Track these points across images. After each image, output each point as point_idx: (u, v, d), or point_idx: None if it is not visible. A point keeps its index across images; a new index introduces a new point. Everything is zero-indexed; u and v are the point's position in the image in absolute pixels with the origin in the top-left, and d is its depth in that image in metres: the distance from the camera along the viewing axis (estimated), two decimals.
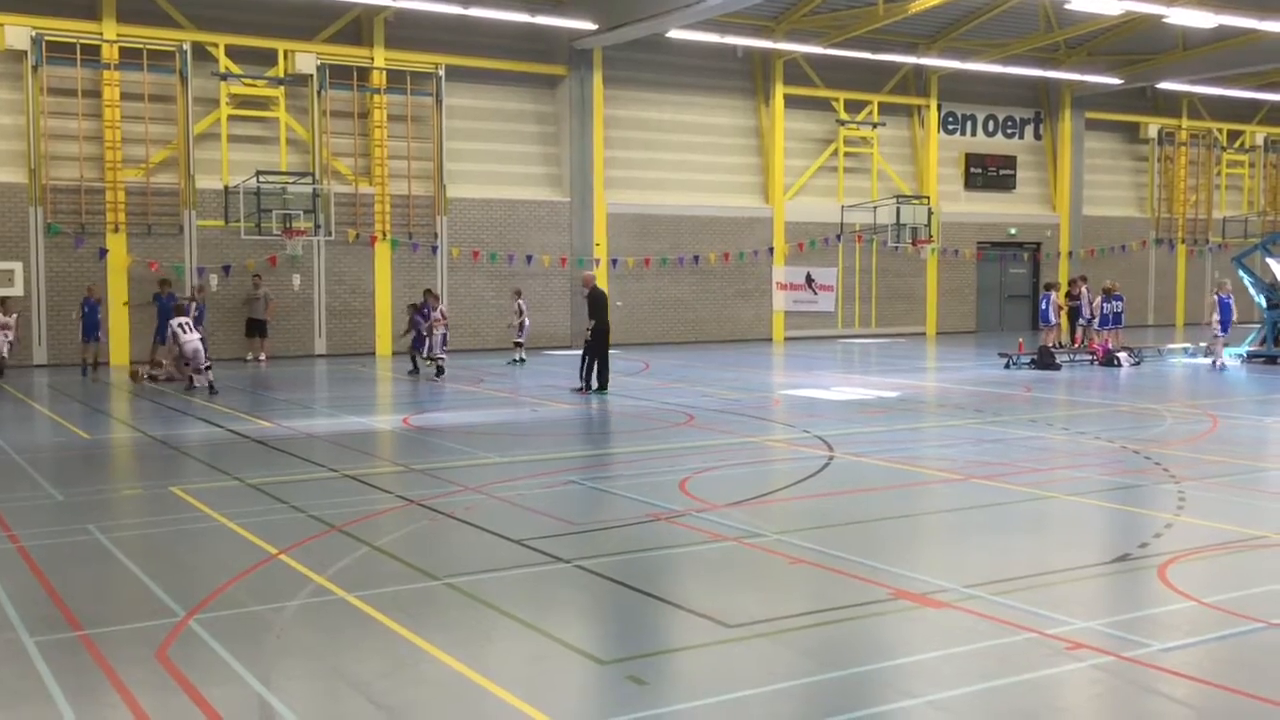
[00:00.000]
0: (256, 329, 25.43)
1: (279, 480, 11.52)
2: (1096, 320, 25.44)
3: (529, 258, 29.25)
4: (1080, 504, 10.36)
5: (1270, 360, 24.25)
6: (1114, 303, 25.30)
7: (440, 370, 21.76)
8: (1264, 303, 25.07)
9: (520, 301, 25.17)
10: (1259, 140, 42.11)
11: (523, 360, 24.61)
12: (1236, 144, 41.82)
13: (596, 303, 19.38)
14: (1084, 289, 26.41)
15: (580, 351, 19.58)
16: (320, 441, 14.24)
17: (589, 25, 27.15)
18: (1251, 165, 42.46)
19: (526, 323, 25.17)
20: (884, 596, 7.31)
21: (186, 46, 25.32)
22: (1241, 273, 26.06)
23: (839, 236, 33.54)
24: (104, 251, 24.80)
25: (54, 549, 8.68)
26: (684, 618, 7.02)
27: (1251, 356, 24.74)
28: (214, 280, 25.71)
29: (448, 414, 17.23)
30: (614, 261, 30.15)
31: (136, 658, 6.23)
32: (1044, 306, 26.03)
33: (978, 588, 7.43)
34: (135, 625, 6.81)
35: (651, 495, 10.57)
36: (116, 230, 24.92)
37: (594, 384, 19.16)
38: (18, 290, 23.79)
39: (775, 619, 6.86)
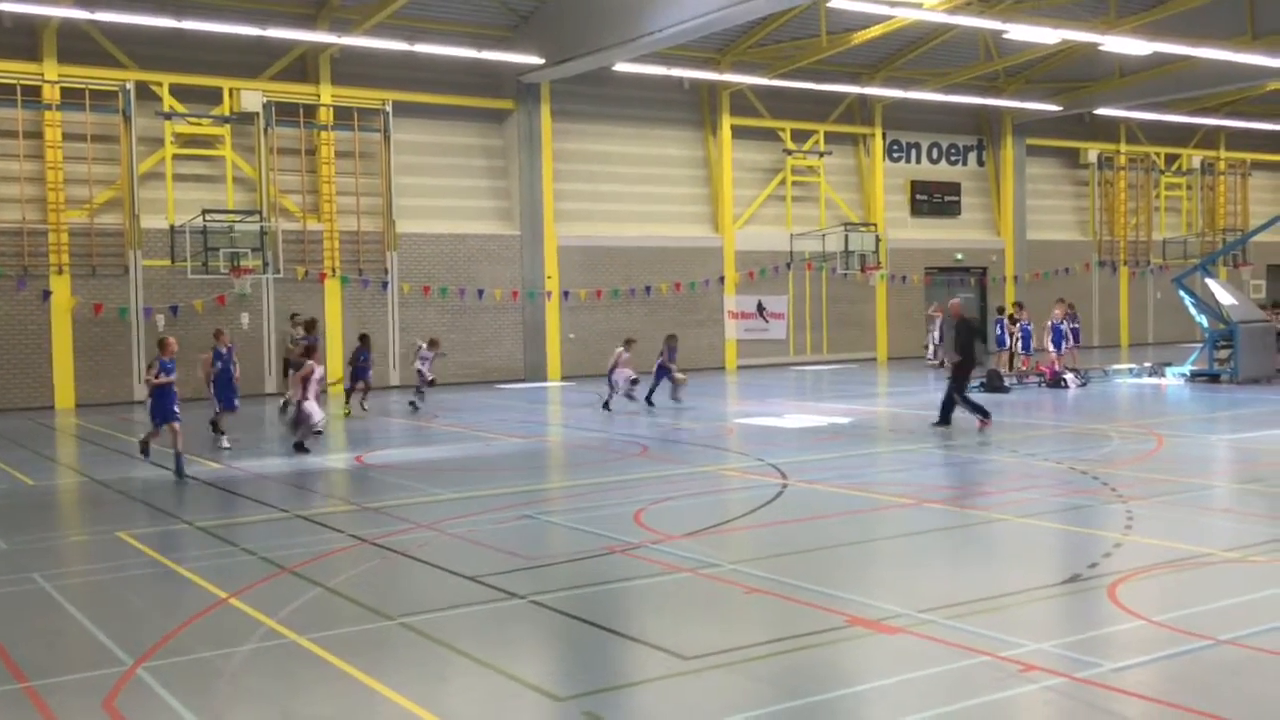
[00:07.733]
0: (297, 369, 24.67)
1: (229, 523, 11.37)
2: (1067, 340, 26.29)
3: (480, 292, 29.20)
4: (1031, 526, 10.46)
5: (1213, 379, 24.69)
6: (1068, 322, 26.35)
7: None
8: (1205, 323, 25.55)
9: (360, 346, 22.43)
10: (1195, 163, 43.07)
11: (356, 410, 21.94)
12: (1174, 167, 42.72)
13: (960, 334, 17.66)
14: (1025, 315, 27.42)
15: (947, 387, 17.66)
16: (271, 482, 14.08)
17: (536, 60, 27.26)
18: (1189, 188, 43.37)
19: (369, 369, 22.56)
20: (840, 624, 7.33)
21: (129, 86, 25.11)
22: (1182, 293, 26.54)
23: (789, 264, 33.79)
24: (47, 294, 24.44)
25: None
26: (641, 651, 7.00)
27: (1195, 375, 25.19)
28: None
29: (401, 450, 17.09)
30: (565, 294, 30.17)
31: (84, 708, 6.11)
32: (999, 331, 26.93)
33: (932, 612, 7.48)
34: (82, 675, 6.68)
35: (606, 528, 10.54)
36: (60, 272, 24.59)
37: (964, 415, 17.48)
38: None
39: (732, 649, 6.85)
